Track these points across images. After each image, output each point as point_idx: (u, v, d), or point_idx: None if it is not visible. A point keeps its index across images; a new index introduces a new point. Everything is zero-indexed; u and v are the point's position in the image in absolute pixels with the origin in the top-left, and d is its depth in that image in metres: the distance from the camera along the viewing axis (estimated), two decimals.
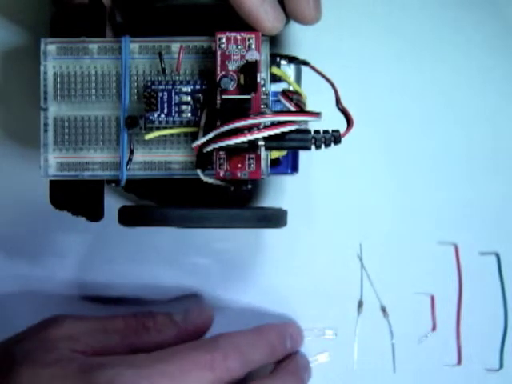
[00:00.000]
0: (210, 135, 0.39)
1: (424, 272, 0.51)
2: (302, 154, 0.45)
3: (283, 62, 0.44)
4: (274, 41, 0.46)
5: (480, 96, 0.51)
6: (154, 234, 0.50)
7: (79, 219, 0.43)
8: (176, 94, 0.41)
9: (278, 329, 0.48)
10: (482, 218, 0.51)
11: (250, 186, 0.42)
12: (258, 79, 0.40)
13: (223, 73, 0.40)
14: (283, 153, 0.44)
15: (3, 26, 0.50)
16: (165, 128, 0.41)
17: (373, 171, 0.51)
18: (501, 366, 0.51)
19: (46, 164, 0.42)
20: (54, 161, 0.42)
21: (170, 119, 0.41)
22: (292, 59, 0.44)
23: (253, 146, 0.39)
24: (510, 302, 0.51)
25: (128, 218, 0.42)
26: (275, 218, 0.43)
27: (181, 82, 0.41)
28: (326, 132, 0.40)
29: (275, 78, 0.42)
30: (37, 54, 0.42)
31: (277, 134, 0.39)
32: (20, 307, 0.50)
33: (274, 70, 0.42)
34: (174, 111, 0.41)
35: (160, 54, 0.41)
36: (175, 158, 0.42)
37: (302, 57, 0.44)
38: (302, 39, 0.50)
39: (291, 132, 0.39)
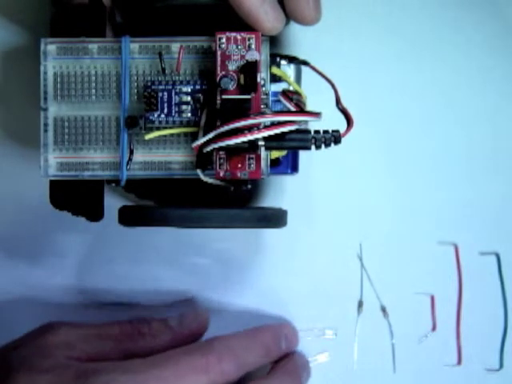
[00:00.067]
0: (210, 135, 0.39)
1: (424, 272, 0.51)
2: (302, 153, 0.45)
3: (283, 62, 0.44)
4: (274, 41, 0.46)
5: (480, 96, 0.51)
6: (154, 234, 0.50)
7: (79, 219, 0.43)
8: (176, 94, 0.41)
9: (272, 330, 0.48)
10: (482, 218, 0.51)
11: (249, 186, 0.42)
12: (258, 79, 0.40)
13: (223, 73, 0.40)
14: (283, 153, 0.44)
15: (3, 26, 0.50)
16: (165, 128, 0.41)
17: (373, 171, 0.51)
18: (501, 366, 0.51)
19: (45, 164, 0.42)
20: (54, 161, 0.42)
21: (170, 119, 0.41)
22: (292, 59, 0.44)
23: (253, 145, 0.39)
24: (510, 302, 0.51)
25: (128, 218, 0.42)
26: (275, 218, 0.43)
27: (181, 82, 0.41)
28: (326, 132, 0.40)
29: (275, 78, 0.42)
30: (37, 54, 0.42)
31: (277, 134, 0.39)
32: (19, 307, 0.50)
33: (274, 70, 0.42)
34: (174, 111, 0.41)
35: (160, 54, 0.41)
36: (175, 158, 0.42)
37: (302, 57, 0.44)
38: (302, 39, 0.50)
39: (291, 132, 0.39)
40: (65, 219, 0.44)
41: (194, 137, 0.41)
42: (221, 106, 0.40)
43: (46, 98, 0.42)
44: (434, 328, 0.51)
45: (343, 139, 0.40)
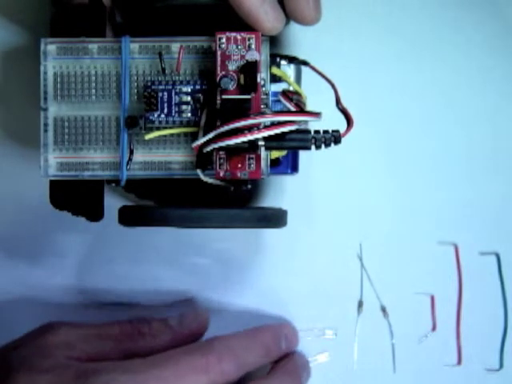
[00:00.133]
0: (210, 135, 0.39)
1: (424, 272, 0.51)
2: (302, 153, 0.45)
3: (283, 62, 0.44)
4: (274, 41, 0.46)
5: (480, 96, 0.51)
6: (154, 234, 0.50)
7: (79, 219, 0.43)
8: (176, 94, 0.41)
9: (272, 330, 0.48)
10: (482, 218, 0.51)
11: (249, 186, 0.42)
12: (258, 79, 0.40)
13: (223, 73, 0.40)
14: (283, 153, 0.44)
15: (3, 26, 0.50)
16: (165, 128, 0.41)
17: (373, 171, 0.51)
18: (501, 366, 0.51)
19: (46, 164, 0.42)
20: (54, 161, 0.42)
21: (170, 119, 0.41)
22: (292, 59, 0.44)
23: (253, 145, 0.39)
24: (510, 302, 0.51)
25: (128, 217, 0.42)
26: (275, 218, 0.43)
27: (181, 82, 0.41)
28: (326, 132, 0.40)
29: (275, 78, 0.42)
30: (37, 54, 0.42)
31: (277, 134, 0.39)
32: (19, 307, 0.50)
33: (274, 70, 0.42)
34: (174, 111, 0.41)
35: (160, 54, 0.41)
36: (175, 158, 0.42)
37: (302, 57, 0.44)
38: (302, 39, 0.50)
39: (291, 132, 0.39)
40: (65, 219, 0.44)
41: (193, 137, 0.41)
42: (221, 105, 0.40)
43: (46, 98, 0.42)
44: (434, 328, 0.51)
45: (343, 139, 0.40)
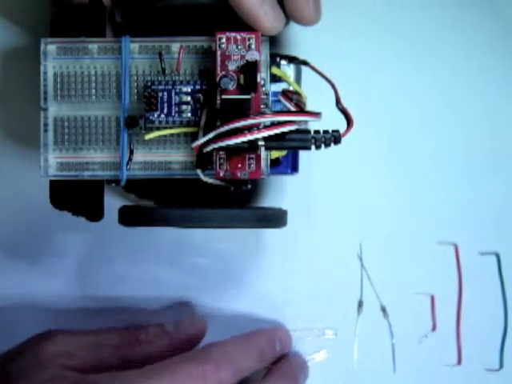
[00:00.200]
0: (210, 135, 0.39)
1: (424, 272, 0.51)
2: (302, 153, 0.45)
3: (283, 62, 0.44)
4: (274, 41, 0.46)
5: (480, 96, 0.51)
6: (154, 234, 0.50)
7: (79, 219, 0.43)
8: (176, 94, 0.41)
9: (267, 333, 0.48)
10: (482, 218, 0.51)
11: (249, 186, 0.42)
12: (258, 79, 0.40)
13: (223, 73, 0.40)
14: (283, 153, 0.44)
15: (3, 26, 0.50)
16: (165, 128, 0.41)
17: (373, 171, 0.51)
18: (501, 366, 0.51)
19: (46, 164, 0.42)
20: (54, 161, 0.42)
21: (170, 119, 0.41)
22: (292, 59, 0.44)
23: (253, 146, 0.39)
24: (510, 302, 0.51)
25: (128, 217, 0.42)
26: (275, 218, 0.43)
27: (181, 82, 0.41)
28: (326, 132, 0.40)
29: (275, 78, 0.42)
30: (37, 54, 0.42)
31: (277, 134, 0.39)
32: (19, 307, 0.50)
33: (274, 70, 0.42)
34: (173, 111, 0.41)
35: (160, 54, 0.41)
36: (175, 158, 0.42)
37: (302, 57, 0.44)
38: (302, 39, 0.50)
39: (291, 132, 0.39)
40: (65, 219, 0.44)
41: (193, 137, 0.41)
42: (221, 105, 0.40)
43: (46, 98, 0.42)
44: (434, 328, 0.51)
45: (343, 139, 0.40)
